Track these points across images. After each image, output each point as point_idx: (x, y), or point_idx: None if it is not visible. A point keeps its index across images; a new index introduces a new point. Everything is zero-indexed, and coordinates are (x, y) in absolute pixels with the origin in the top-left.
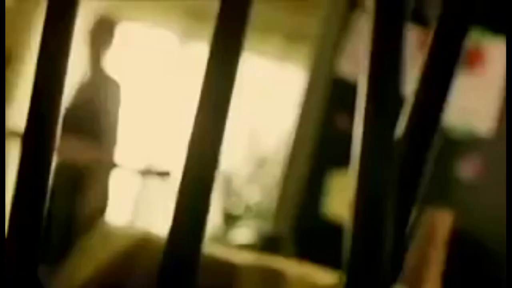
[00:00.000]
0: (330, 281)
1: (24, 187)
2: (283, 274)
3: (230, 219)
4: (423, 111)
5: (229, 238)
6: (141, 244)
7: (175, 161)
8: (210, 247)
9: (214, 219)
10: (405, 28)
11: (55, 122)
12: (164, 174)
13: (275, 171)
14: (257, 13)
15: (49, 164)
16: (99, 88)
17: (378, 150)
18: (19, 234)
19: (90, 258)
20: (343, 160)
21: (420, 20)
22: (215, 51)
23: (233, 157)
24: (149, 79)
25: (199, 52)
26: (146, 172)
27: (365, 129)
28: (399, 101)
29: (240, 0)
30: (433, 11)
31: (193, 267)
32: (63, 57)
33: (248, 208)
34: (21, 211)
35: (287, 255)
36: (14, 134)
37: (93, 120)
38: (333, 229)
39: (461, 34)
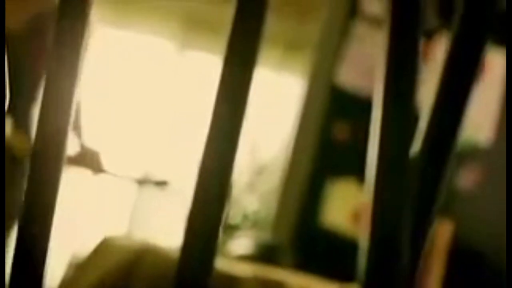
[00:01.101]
0: None
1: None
2: (283, 285)
3: (227, 229)
4: (440, 125)
5: (226, 248)
6: (140, 255)
7: (172, 170)
8: None
9: None
10: (420, 40)
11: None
12: (161, 184)
13: (273, 180)
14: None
15: (57, 184)
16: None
17: (394, 164)
18: (27, 249)
19: (88, 270)
20: (341, 170)
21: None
22: (229, 61)
23: None
24: (146, 87)
25: (196, 61)
26: (143, 181)
27: (381, 143)
28: (414, 115)
29: (255, 6)
30: (434, 22)
31: (205, 282)
32: (72, 75)
33: (245, 217)
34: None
35: (285, 264)
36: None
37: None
38: (332, 239)
39: (479, 47)
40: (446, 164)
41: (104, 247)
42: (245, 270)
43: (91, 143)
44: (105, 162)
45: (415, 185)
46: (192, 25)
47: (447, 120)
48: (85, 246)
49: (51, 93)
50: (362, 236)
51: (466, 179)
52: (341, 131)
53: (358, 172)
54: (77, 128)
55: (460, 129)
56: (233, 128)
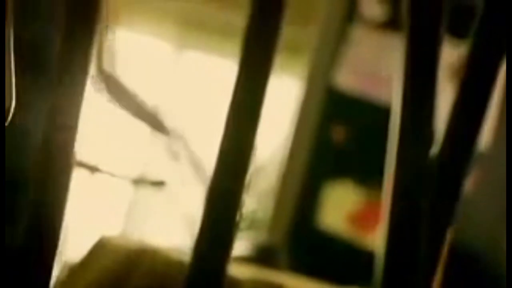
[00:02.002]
0: None
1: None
2: None
3: None
4: (458, 132)
5: None
6: (137, 257)
7: (169, 170)
8: None
9: None
10: (440, 48)
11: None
12: (158, 184)
13: (270, 181)
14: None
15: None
16: None
17: (413, 171)
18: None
19: (83, 271)
20: (338, 172)
21: None
22: (243, 68)
23: None
24: (142, 87)
25: (193, 61)
26: (139, 181)
27: (399, 146)
28: (432, 123)
29: (271, 9)
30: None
31: (219, 282)
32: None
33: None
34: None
35: (281, 266)
36: None
37: None
38: (328, 241)
39: (497, 57)
40: (464, 172)
41: (100, 248)
42: (243, 272)
43: (87, 143)
44: (101, 161)
45: (433, 188)
46: (189, 26)
47: (467, 122)
48: (80, 246)
49: (62, 90)
50: (379, 238)
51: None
52: (338, 133)
53: (355, 174)
54: None
55: (480, 130)
56: (248, 135)
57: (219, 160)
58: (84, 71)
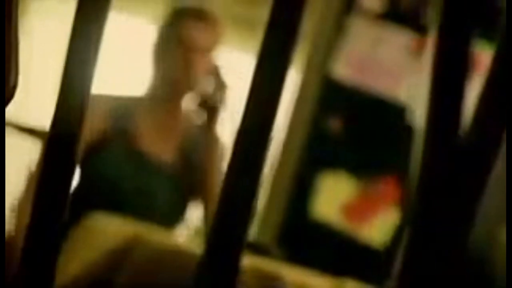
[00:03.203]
0: (328, 286)
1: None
2: (279, 278)
3: None
4: (485, 121)
5: None
6: (132, 241)
7: None
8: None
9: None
10: (471, 38)
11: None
12: None
13: (264, 172)
14: (248, 14)
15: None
16: None
17: (437, 161)
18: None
19: (79, 254)
20: (334, 163)
21: (417, 27)
22: (263, 58)
23: None
24: (138, 72)
25: None
26: None
27: (426, 141)
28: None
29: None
30: (430, 19)
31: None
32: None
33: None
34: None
35: (275, 256)
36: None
37: None
38: (321, 231)
39: None
40: (491, 161)
41: (94, 232)
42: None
43: None
44: None
45: (459, 178)
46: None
47: (494, 108)
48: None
49: (72, 71)
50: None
51: None
52: (335, 124)
53: (350, 165)
54: None
55: (505, 123)
56: (265, 127)
57: (233, 155)
58: (97, 45)
